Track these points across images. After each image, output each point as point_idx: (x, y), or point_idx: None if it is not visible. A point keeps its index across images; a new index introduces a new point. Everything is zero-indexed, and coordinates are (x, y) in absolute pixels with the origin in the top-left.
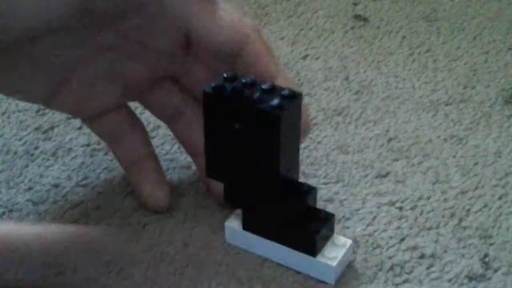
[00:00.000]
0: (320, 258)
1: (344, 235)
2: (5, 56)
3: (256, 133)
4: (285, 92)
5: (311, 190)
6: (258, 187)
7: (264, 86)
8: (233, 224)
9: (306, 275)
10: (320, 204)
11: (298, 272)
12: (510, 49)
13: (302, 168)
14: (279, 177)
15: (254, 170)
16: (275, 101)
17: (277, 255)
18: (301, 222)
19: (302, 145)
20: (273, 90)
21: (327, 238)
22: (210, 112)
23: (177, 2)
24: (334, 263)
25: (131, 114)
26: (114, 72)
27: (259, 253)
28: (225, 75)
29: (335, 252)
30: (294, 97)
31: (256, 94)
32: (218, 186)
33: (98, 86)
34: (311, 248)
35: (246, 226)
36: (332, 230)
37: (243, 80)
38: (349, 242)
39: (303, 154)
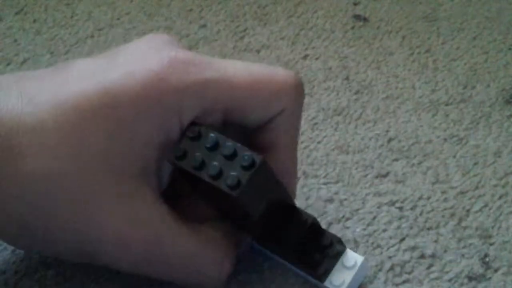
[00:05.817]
0: (328, 284)
1: (344, 235)
2: None
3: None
4: (245, 161)
5: (313, 221)
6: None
7: (225, 152)
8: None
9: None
10: (320, 204)
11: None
12: (510, 49)
13: (303, 168)
14: (260, 220)
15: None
16: (233, 173)
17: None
18: (307, 248)
19: (302, 145)
20: (235, 155)
21: (335, 261)
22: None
23: None
24: None
25: None
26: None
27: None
28: (191, 134)
29: (342, 276)
30: (253, 166)
31: (215, 163)
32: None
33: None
34: (317, 275)
35: (259, 241)
36: (340, 253)
37: (206, 145)
38: (360, 260)
39: (303, 154)
